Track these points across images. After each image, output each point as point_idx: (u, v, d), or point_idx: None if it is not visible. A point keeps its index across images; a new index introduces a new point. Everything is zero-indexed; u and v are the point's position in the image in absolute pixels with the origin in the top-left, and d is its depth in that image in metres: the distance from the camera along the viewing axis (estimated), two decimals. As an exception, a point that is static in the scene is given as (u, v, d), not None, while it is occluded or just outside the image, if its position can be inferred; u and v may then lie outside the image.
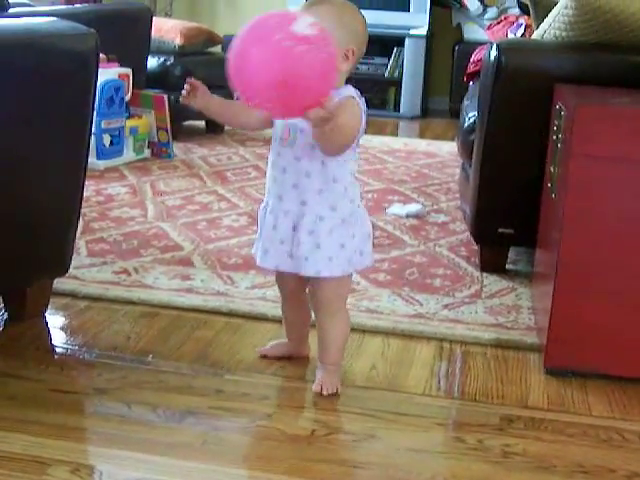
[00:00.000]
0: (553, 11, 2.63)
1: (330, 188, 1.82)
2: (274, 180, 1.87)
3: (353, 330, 2.22)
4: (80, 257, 2.70)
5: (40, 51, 2.02)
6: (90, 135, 2.20)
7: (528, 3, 3.21)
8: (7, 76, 1.91)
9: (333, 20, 1.76)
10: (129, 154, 4.23)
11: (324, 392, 1.89)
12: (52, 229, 2.20)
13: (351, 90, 1.82)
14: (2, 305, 2.27)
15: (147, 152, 4.35)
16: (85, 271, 2.59)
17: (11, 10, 3.91)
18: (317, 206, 1.82)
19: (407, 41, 6.17)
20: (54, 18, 2.18)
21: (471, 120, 2.75)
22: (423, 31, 6.15)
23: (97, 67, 2.14)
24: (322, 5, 1.79)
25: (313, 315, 2.00)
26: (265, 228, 1.88)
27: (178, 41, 4.99)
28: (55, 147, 2.12)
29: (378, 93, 6.37)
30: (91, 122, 2.18)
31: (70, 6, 5.23)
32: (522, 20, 4.34)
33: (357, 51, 1.82)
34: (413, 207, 3.41)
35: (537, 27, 2.98)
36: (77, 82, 2.11)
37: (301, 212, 1.82)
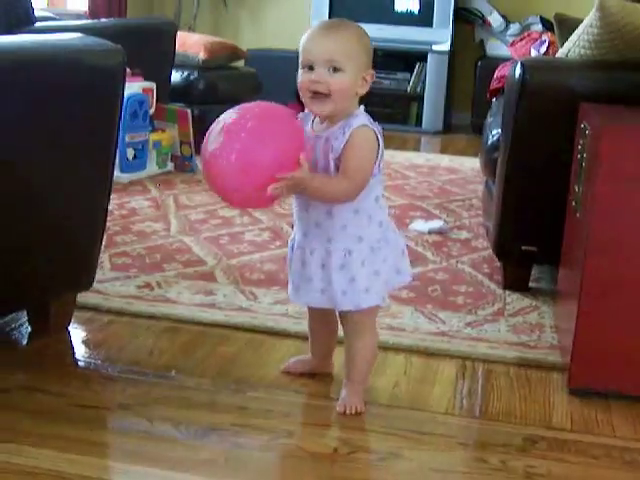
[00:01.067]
0: (578, 29, 2.63)
1: (354, 222, 1.81)
2: (299, 217, 1.87)
3: (377, 347, 2.23)
4: (103, 271, 2.71)
5: (67, 67, 2.04)
6: (116, 150, 2.21)
7: (553, 21, 3.20)
8: (35, 92, 1.92)
9: (357, 44, 1.76)
10: (152, 168, 4.25)
11: (347, 411, 1.88)
12: (77, 244, 2.21)
13: (363, 118, 1.79)
14: (26, 319, 2.28)
15: (170, 166, 4.37)
16: (108, 285, 2.60)
17: (37, 24, 3.96)
18: (343, 241, 1.82)
19: (430, 57, 6.18)
20: (81, 34, 2.19)
21: (495, 137, 2.75)
22: (446, 47, 6.16)
23: (124, 83, 2.15)
24: (345, 30, 1.77)
25: (340, 330, 2.00)
26: (294, 263, 1.89)
27: (202, 55, 5.02)
28: (81, 162, 2.13)
29: (400, 108, 6.38)
30: (117, 137, 2.19)
31: (95, 20, 5.27)
32: (545, 37, 4.33)
33: (373, 74, 1.81)
34: (435, 223, 3.41)
35: (561, 45, 2.98)
36: (104, 98, 2.12)
37: (327, 250, 1.82)
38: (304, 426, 1.85)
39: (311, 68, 1.75)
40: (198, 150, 4.41)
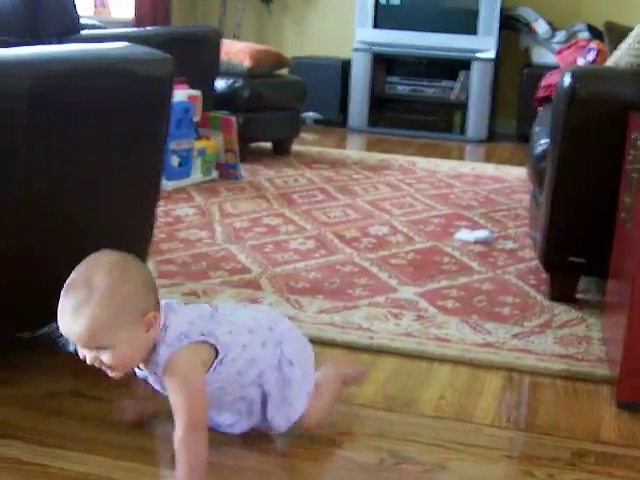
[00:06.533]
0: (627, 39, 2.61)
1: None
2: None
3: (421, 358, 2.23)
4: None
5: (118, 76, 2.06)
6: (164, 158, 2.23)
7: (602, 29, 3.18)
8: (84, 101, 1.94)
9: (110, 311, 1.53)
10: (197, 175, 4.27)
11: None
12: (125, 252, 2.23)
13: (172, 340, 1.60)
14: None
15: (215, 173, 4.39)
16: (154, 292, 2.61)
17: (83, 32, 4.00)
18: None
19: (475, 64, 6.14)
20: (129, 43, 2.21)
21: (542, 147, 2.73)
22: (491, 54, 6.12)
23: (172, 92, 2.17)
24: (87, 306, 1.52)
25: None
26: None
27: (247, 63, 5.04)
28: (129, 170, 2.15)
29: (444, 116, 6.36)
30: (165, 146, 2.21)
31: (141, 29, 5.31)
32: (593, 45, 4.29)
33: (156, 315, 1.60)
34: (481, 233, 3.39)
35: (611, 53, 2.95)
36: (153, 107, 2.14)
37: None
38: (350, 436, 1.84)
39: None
40: (242, 157, 4.48)
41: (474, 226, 3.57)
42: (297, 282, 2.78)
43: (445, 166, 5.06)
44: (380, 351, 2.27)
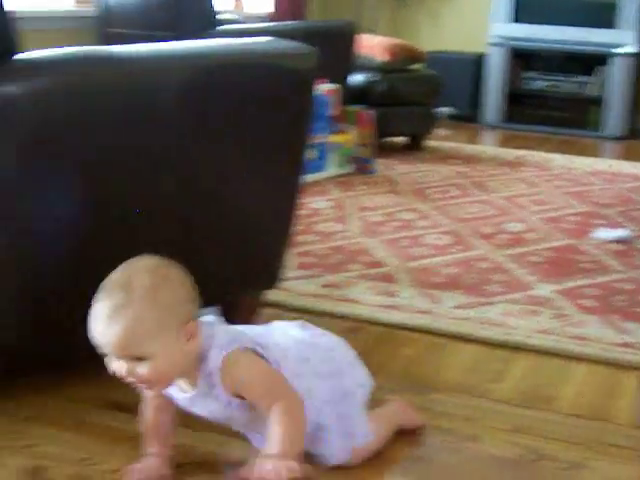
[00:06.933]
0: None
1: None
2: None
3: (558, 356, 2.21)
4: (288, 269, 2.78)
5: (264, 70, 2.09)
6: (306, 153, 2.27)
7: None
8: (229, 95, 1.99)
9: (152, 315, 1.38)
10: (332, 169, 4.33)
11: None
12: (267, 244, 2.29)
13: (223, 343, 1.48)
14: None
15: (350, 167, 4.44)
16: (292, 283, 2.67)
17: (220, 27, 4.09)
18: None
19: (614, 59, 6.01)
20: (272, 37, 2.25)
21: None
22: (632, 49, 5.97)
23: (316, 85, 2.20)
24: (129, 308, 1.36)
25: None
26: None
27: (383, 58, 5.06)
28: (272, 164, 2.20)
29: (579, 112, 6.24)
30: (309, 138, 2.25)
31: (279, 23, 5.40)
32: None
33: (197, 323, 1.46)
34: (620, 232, 3.33)
35: None
36: (297, 101, 2.18)
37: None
38: (487, 430, 1.85)
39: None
40: (377, 152, 4.51)
41: (612, 224, 3.51)
42: (433, 276, 2.80)
43: (581, 163, 4.98)
44: (517, 348, 2.27)
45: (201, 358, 1.46)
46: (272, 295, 2.50)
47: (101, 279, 1.43)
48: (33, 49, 1.73)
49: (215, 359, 1.45)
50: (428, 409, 1.92)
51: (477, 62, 6.41)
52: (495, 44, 6.26)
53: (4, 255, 1.75)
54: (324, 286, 2.67)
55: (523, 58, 6.32)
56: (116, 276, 1.40)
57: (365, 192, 4.02)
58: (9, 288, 1.78)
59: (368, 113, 4.46)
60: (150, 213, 1.92)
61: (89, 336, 1.38)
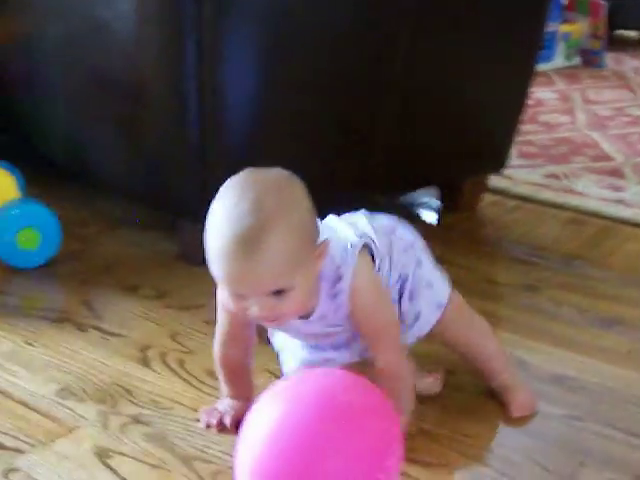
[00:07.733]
0: None
1: None
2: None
3: None
4: (510, 157, 2.75)
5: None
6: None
7: None
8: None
9: (292, 240, 1.12)
10: (559, 60, 4.20)
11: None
12: (493, 129, 2.28)
13: (345, 256, 1.24)
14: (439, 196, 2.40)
15: (577, 59, 4.29)
16: (514, 171, 2.64)
17: None
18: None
19: None
20: None
21: None
22: None
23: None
24: (268, 237, 1.10)
25: None
26: None
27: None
28: (508, 51, 2.17)
29: None
30: (546, 25, 2.20)
31: None
32: None
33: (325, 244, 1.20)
34: None
35: None
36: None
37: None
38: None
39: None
40: (607, 45, 4.33)
41: None
42: (663, 174, 2.70)
43: None
44: None
45: (327, 277, 1.25)
46: (494, 182, 2.49)
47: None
48: None
49: (346, 275, 1.24)
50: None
51: None
52: None
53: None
54: (546, 176, 2.62)
55: None
56: (233, 201, 1.12)
57: (593, 85, 3.89)
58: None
59: (601, 2, 4.27)
60: (375, 84, 1.94)
61: (212, 273, 1.16)
